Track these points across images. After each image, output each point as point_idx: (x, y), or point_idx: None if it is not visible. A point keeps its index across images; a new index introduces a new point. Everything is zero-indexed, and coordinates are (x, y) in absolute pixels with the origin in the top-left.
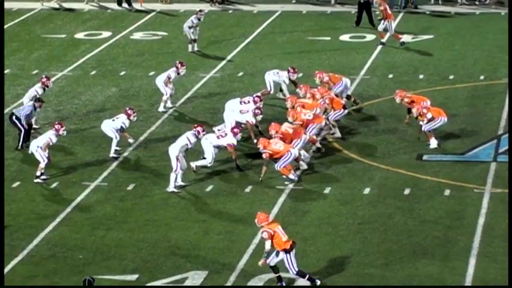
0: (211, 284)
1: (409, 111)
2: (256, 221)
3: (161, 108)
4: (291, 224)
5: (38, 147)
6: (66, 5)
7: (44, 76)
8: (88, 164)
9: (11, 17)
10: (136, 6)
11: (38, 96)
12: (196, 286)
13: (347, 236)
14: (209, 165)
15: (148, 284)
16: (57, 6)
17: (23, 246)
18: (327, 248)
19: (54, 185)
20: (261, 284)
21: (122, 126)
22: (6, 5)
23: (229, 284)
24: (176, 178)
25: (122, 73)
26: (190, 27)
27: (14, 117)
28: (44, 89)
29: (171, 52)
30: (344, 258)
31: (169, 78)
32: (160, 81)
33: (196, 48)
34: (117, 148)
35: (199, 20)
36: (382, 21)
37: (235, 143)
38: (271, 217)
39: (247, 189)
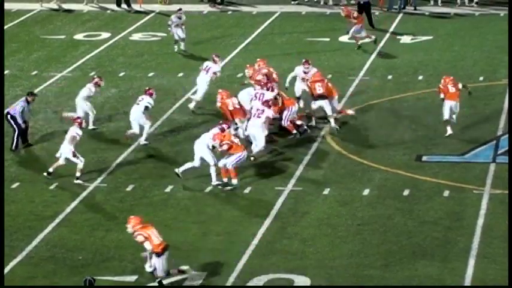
0: (210, 285)
1: None
2: (129, 225)
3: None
4: (290, 225)
5: (69, 151)
6: (65, 6)
7: (96, 76)
8: (87, 165)
9: (10, 17)
10: (136, 7)
11: (90, 95)
12: (195, 286)
13: (346, 237)
14: (263, 148)
15: (148, 285)
16: (56, 7)
17: (22, 247)
18: (326, 249)
19: (53, 185)
20: (260, 284)
21: (147, 106)
22: (5, 6)
23: (228, 284)
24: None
25: (121, 74)
26: (175, 26)
27: (8, 116)
28: (96, 88)
29: (171, 53)
30: (343, 259)
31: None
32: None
33: (182, 48)
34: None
35: (179, 18)
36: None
37: (273, 113)
38: (270, 217)
39: (247, 190)
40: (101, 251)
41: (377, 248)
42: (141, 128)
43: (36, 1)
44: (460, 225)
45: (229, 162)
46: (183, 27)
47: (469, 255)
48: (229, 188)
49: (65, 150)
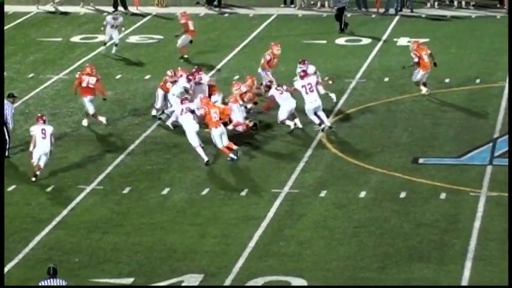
0: (208, 285)
1: None
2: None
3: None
4: (287, 228)
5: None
6: (62, 8)
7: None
8: (84, 167)
9: (7, 20)
10: (132, 9)
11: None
12: (194, 286)
13: (343, 240)
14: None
15: (144, 287)
16: (53, 9)
17: (19, 249)
18: (322, 252)
19: (49, 188)
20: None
21: (185, 87)
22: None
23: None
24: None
25: (118, 76)
26: (111, 27)
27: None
28: (190, 84)
29: (167, 56)
30: (340, 262)
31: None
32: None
33: (113, 52)
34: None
35: (115, 19)
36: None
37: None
38: (267, 220)
39: (243, 193)
40: (97, 253)
41: (373, 251)
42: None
43: (33, 3)
44: (457, 228)
45: (217, 143)
46: (119, 29)
47: (466, 258)
48: (233, 157)
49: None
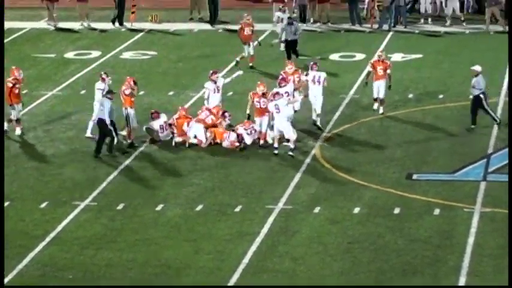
0: None
1: None
2: None
3: None
4: (281, 244)
5: None
6: (61, 24)
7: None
8: (78, 183)
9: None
10: (127, 25)
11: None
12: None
13: (337, 255)
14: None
15: None
16: (51, 26)
17: (13, 265)
18: (316, 267)
19: (43, 204)
20: None
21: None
22: None
23: None
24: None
25: None
26: None
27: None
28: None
29: (161, 72)
30: (334, 278)
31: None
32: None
33: None
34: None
35: None
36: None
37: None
38: (261, 236)
39: (237, 209)
40: (91, 269)
41: (367, 266)
42: None
43: (28, 20)
44: (451, 244)
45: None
46: None
47: (460, 274)
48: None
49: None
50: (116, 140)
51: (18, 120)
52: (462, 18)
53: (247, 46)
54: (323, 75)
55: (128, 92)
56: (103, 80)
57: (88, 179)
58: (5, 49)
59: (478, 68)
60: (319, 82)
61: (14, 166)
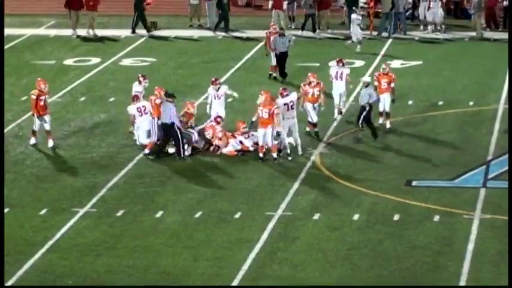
0: None
1: None
2: None
3: None
4: (280, 250)
5: None
6: (60, 32)
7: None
8: (77, 190)
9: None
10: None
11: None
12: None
13: (336, 262)
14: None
15: None
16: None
17: (12, 272)
18: (316, 274)
19: (43, 211)
20: None
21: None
22: None
23: None
24: None
25: (111, 99)
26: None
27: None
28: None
29: (160, 78)
30: (333, 285)
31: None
32: None
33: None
34: None
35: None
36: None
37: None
38: (260, 243)
39: (237, 216)
40: (90, 276)
41: (367, 273)
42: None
43: (27, 27)
44: (450, 250)
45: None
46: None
47: (459, 280)
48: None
49: None
50: (180, 143)
51: (48, 132)
52: (443, 26)
53: (274, 55)
54: (345, 71)
55: (158, 101)
56: (140, 82)
57: (87, 186)
58: (4, 56)
59: (367, 79)
60: (341, 78)
61: (13, 173)
